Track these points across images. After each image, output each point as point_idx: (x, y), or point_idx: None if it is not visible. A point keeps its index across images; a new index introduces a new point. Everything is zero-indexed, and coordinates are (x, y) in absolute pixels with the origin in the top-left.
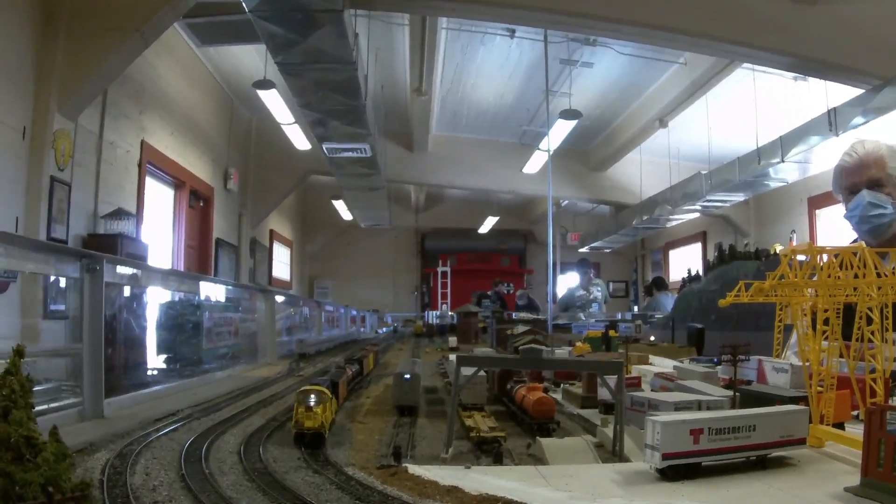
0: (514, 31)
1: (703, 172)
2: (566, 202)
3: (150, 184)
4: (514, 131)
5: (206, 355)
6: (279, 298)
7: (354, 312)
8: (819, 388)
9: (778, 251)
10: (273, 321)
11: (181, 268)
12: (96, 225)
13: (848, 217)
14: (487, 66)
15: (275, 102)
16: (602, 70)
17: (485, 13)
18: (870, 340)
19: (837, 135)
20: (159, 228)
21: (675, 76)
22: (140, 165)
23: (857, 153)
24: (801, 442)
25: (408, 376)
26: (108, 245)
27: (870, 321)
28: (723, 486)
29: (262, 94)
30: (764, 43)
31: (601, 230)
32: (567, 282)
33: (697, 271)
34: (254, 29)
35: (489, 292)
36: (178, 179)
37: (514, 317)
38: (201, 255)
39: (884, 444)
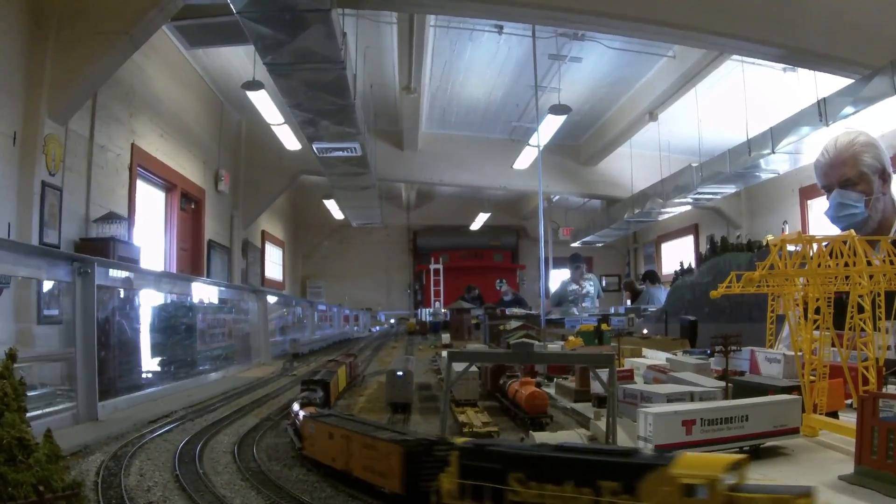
0: (502, 28)
1: (694, 165)
2: (557, 197)
3: (142, 187)
4: (503, 127)
5: (200, 357)
6: (272, 299)
7: (347, 311)
8: (812, 378)
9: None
10: (266, 322)
11: (174, 270)
12: (88, 229)
13: (826, 215)
14: (476, 62)
15: (264, 103)
16: (591, 65)
17: (472, 9)
18: (861, 329)
19: (828, 125)
20: (151, 231)
21: (664, 69)
22: (131, 169)
23: (829, 152)
24: (795, 431)
25: (400, 374)
26: (100, 249)
27: (861, 310)
28: None
29: (251, 95)
30: (753, 34)
31: (593, 225)
32: (560, 276)
33: (690, 264)
34: (242, 30)
35: (466, 296)
36: (169, 182)
37: (507, 312)
38: (193, 257)
39: (877, 431)
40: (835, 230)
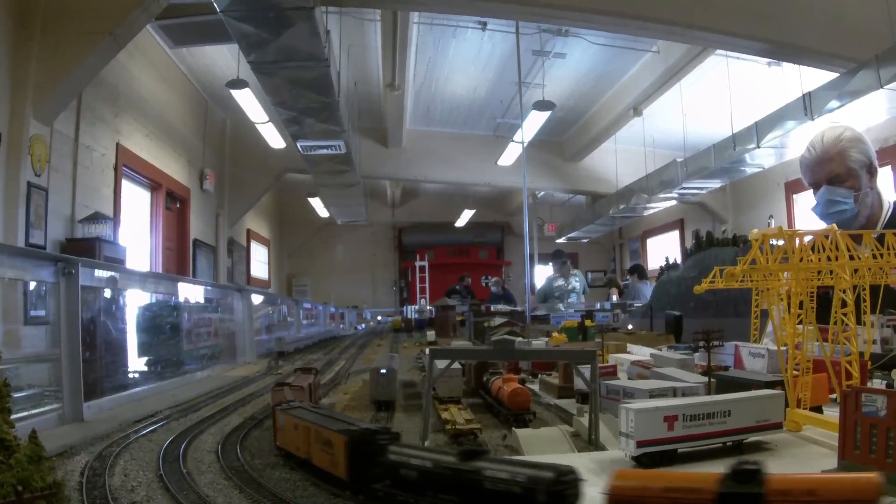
0: (485, 24)
1: (679, 160)
2: (542, 193)
3: (127, 186)
4: (488, 124)
5: (186, 356)
6: (257, 298)
7: (333, 309)
8: (795, 372)
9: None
10: (251, 320)
11: (159, 270)
12: (74, 229)
13: (813, 212)
14: (460, 59)
15: (248, 102)
16: (575, 60)
17: (456, 6)
18: (845, 324)
19: (813, 119)
20: (137, 231)
21: (648, 64)
22: (116, 168)
23: (816, 149)
24: (778, 426)
25: (384, 371)
26: (85, 249)
27: (844, 304)
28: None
29: (235, 93)
30: (737, 29)
31: (578, 220)
32: (546, 272)
33: (675, 259)
34: (226, 29)
35: (457, 286)
36: (154, 181)
37: (492, 309)
38: (179, 257)
39: (860, 426)
40: (822, 226)
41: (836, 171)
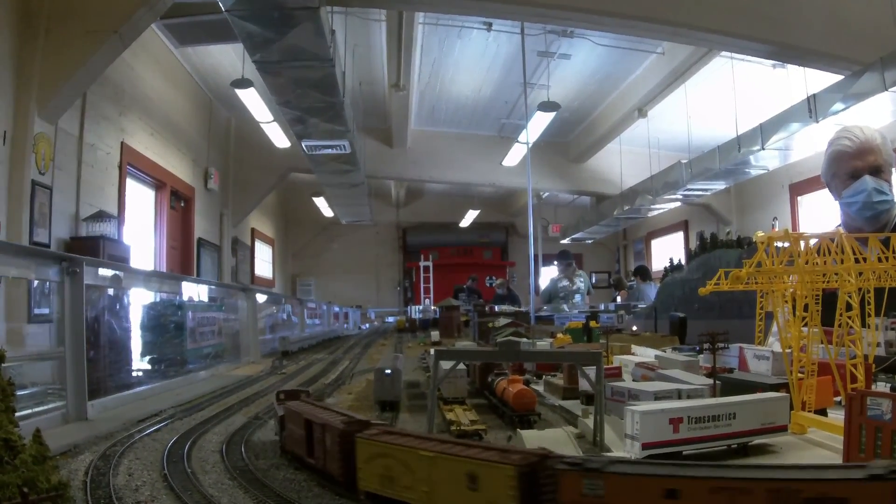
0: (490, 25)
1: (684, 161)
2: (547, 194)
3: (131, 185)
4: (493, 124)
5: (190, 355)
6: (261, 297)
7: (337, 309)
8: (800, 375)
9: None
10: (255, 320)
11: (164, 269)
12: (78, 228)
13: (848, 202)
14: (465, 59)
15: (253, 101)
16: (580, 61)
17: (461, 6)
18: (850, 326)
19: (817, 121)
20: (141, 230)
21: (653, 66)
22: (120, 167)
23: (858, 138)
24: (783, 429)
25: (388, 371)
26: (90, 248)
27: (849, 307)
28: None
29: (240, 92)
30: (742, 31)
31: (582, 221)
32: (550, 273)
33: (679, 260)
34: (231, 28)
35: (464, 286)
36: (158, 180)
37: (496, 309)
38: (184, 256)
39: (865, 429)
40: (832, 220)
41: (878, 162)
